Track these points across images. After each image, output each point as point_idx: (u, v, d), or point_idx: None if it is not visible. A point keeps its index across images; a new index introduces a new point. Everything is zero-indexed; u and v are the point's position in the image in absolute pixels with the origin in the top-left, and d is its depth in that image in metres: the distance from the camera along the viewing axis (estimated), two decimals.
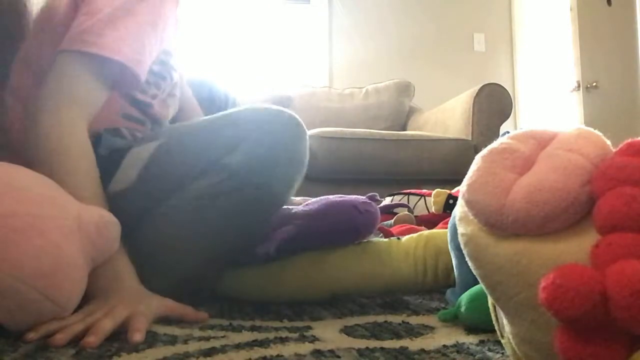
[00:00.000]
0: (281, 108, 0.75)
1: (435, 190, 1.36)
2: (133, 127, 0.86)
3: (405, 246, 0.80)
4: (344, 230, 0.76)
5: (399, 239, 0.82)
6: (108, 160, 0.75)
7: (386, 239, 0.82)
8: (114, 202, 0.71)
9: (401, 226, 1.16)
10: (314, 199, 0.82)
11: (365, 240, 0.80)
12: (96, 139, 0.76)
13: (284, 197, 0.75)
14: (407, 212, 1.30)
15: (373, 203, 0.80)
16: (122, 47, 0.73)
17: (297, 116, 0.75)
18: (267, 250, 0.73)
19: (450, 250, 0.70)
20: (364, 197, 0.80)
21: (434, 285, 0.79)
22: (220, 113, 0.81)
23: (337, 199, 0.79)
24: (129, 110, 0.86)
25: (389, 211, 1.35)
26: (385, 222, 1.27)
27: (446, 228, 0.76)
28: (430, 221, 1.23)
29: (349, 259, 0.78)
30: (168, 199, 0.73)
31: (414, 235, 0.82)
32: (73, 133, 0.70)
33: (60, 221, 0.57)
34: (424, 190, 1.53)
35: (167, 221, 0.74)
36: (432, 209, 1.40)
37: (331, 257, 0.78)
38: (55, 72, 0.72)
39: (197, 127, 0.78)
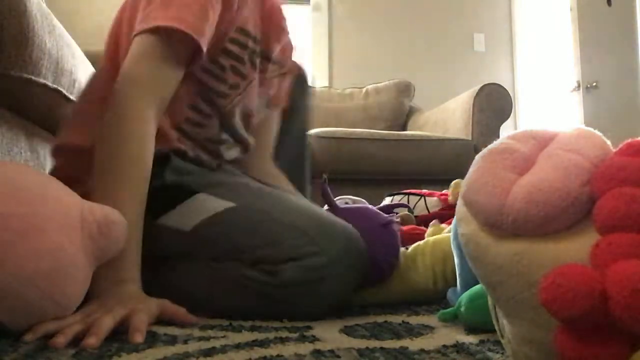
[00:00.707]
0: (363, 248, 0.70)
1: (455, 180, 1.35)
2: (198, 121, 0.85)
3: (412, 256, 0.79)
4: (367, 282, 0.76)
5: (406, 248, 0.82)
6: (170, 190, 0.75)
7: None
8: (156, 231, 0.72)
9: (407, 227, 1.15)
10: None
11: None
12: (164, 160, 0.76)
13: (309, 316, 0.68)
14: (407, 212, 1.30)
15: (393, 233, 0.78)
16: (185, 16, 0.72)
17: (366, 259, 0.71)
18: None
19: (452, 249, 0.70)
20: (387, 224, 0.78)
21: (443, 291, 0.78)
22: (304, 203, 0.77)
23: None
24: (197, 101, 0.84)
25: (389, 211, 1.35)
26: None
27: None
28: (430, 221, 1.23)
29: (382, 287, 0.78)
30: (208, 261, 0.73)
31: (420, 243, 0.82)
32: (137, 126, 0.70)
33: (61, 221, 0.57)
34: (424, 190, 1.53)
35: (192, 281, 0.74)
36: (434, 208, 1.40)
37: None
38: (126, 59, 0.74)
39: (271, 209, 0.73)
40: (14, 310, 0.54)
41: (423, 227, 1.11)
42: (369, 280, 0.75)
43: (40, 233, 0.55)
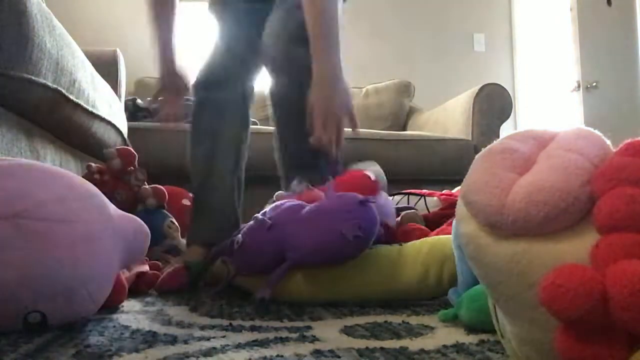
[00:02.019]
0: None
1: None
2: None
3: (406, 253, 0.79)
4: (335, 259, 0.77)
5: (400, 244, 0.81)
6: None
7: (389, 246, 0.81)
8: None
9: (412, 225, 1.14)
10: (307, 209, 0.81)
11: (371, 248, 0.79)
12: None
13: None
14: (413, 210, 1.29)
15: (369, 210, 0.77)
16: None
17: None
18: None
19: (453, 248, 0.70)
20: (359, 205, 0.77)
21: (436, 292, 0.77)
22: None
23: (326, 222, 0.76)
24: None
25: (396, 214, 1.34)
26: None
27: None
28: (430, 221, 1.23)
29: (356, 271, 0.77)
30: None
31: (417, 241, 0.81)
32: None
33: (109, 228, 0.61)
34: (424, 190, 1.53)
35: None
36: (434, 208, 1.40)
37: (336, 270, 0.77)
38: None
39: None
40: (61, 307, 0.57)
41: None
42: (335, 253, 0.75)
43: (97, 240, 0.59)
